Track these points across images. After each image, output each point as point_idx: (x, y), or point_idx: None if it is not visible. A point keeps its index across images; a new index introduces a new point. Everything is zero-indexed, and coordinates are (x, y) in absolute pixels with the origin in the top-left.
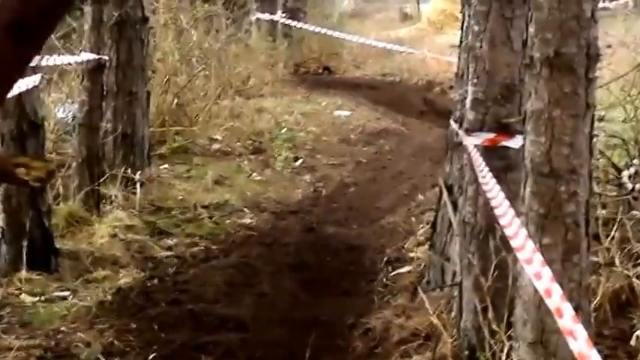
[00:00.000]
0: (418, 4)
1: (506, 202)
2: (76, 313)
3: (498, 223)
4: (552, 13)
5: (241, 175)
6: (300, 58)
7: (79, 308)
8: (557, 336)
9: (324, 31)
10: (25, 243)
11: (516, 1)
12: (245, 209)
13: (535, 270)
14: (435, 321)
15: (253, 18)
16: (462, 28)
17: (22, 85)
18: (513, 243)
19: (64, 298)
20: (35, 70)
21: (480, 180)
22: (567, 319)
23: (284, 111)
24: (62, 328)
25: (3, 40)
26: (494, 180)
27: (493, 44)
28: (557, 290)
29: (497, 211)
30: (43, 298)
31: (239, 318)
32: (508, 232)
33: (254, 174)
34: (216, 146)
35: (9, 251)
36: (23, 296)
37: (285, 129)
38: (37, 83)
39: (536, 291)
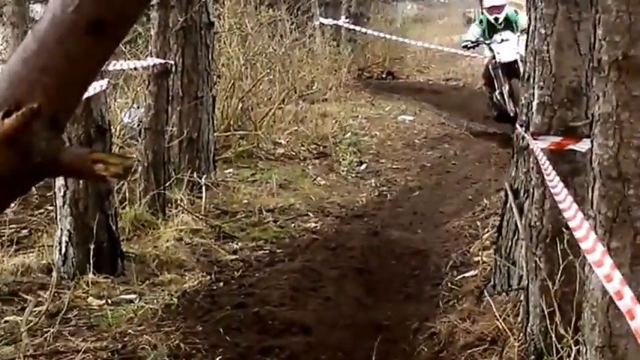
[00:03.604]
0: (482, 8)
1: (575, 205)
2: (143, 316)
3: (566, 226)
4: (620, 16)
5: (306, 179)
6: (363, 63)
7: (146, 311)
8: (626, 340)
9: (387, 36)
10: (92, 246)
11: (583, 3)
12: (309, 213)
13: (605, 272)
14: (501, 325)
15: (317, 23)
16: (528, 32)
17: (89, 90)
18: (583, 245)
19: (131, 301)
20: (102, 74)
21: (548, 183)
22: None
23: (348, 115)
24: (129, 331)
25: (84, 38)
26: (562, 183)
27: (560, 47)
28: (628, 292)
29: (565, 214)
30: (109, 300)
31: (304, 322)
32: (577, 234)
33: (318, 178)
34: (280, 150)
35: (76, 254)
36: (90, 299)
37: (350, 133)
38: (103, 88)
39: (604, 294)
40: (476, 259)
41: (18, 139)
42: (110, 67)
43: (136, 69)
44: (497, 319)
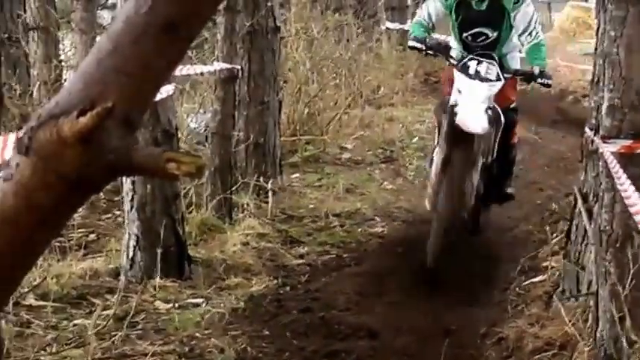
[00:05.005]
0: (550, 12)
1: None
2: (210, 320)
3: (636, 230)
4: None
5: (372, 184)
6: (430, 68)
7: (213, 315)
8: None
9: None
10: (159, 250)
11: None
12: (376, 218)
13: None
14: (571, 330)
15: (383, 27)
16: (597, 34)
17: (157, 95)
18: None
19: (198, 305)
20: (169, 79)
21: (618, 187)
22: None
23: (415, 120)
24: (196, 335)
25: (158, 38)
26: (632, 187)
27: (630, 50)
28: None
29: (637, 218)
30: (176, 304)
31: (370, 326)
32: None
33: (385, 183)
34: (346, 155)
35: (144, 258)
36: (157, 303)
37: (416, 138)
38: (171, 93)
39: None
40: (544, 264)
41: (92, 138)
42: (177, 72)
43: (202, 74)
44: (567, 325)
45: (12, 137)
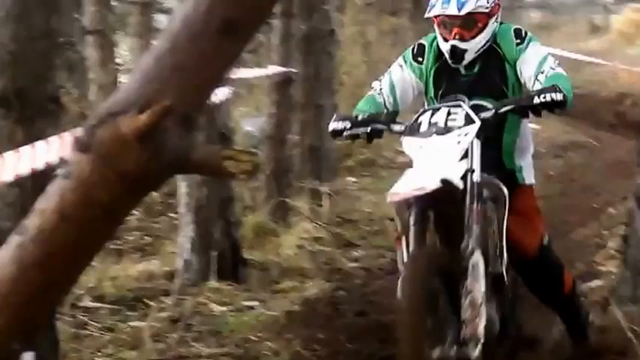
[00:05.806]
0: (608, 15)
1: None
2: (265, 323)
3: None
4: None
5: None
6: None
7: (267, 318)
8: None
9: None
10: (214, 253)
11: None
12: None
13: None
14: (629, 336)
15: None
16: None
17: (213, 97)
18: None
19: (252, 308)
20: (225, 83)
21: None
22: None
23: None
24: (251, 337)
25: (216, 37)
26: None
27: None
28: None
29: None
30: (231, 307)
31: None
32: None
33: None
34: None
35: (199, 261)
36: (212, 305)
37: None
38: (227, 96)
39: None
40: (602, 268)
41: (151, 136)
42: (233, 76)
43: (258, 77)
44: (625, 330)
45: (67, 136)
